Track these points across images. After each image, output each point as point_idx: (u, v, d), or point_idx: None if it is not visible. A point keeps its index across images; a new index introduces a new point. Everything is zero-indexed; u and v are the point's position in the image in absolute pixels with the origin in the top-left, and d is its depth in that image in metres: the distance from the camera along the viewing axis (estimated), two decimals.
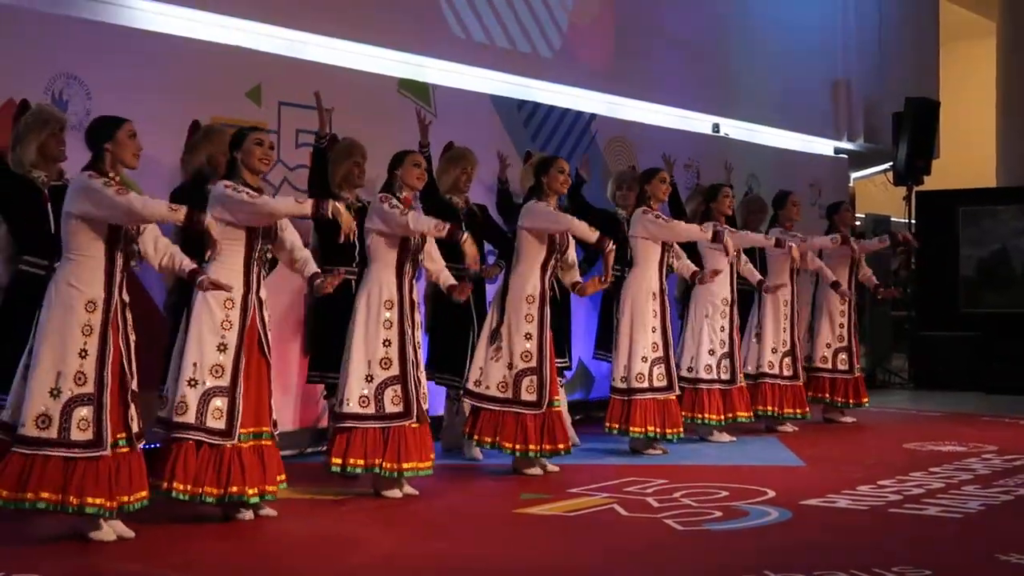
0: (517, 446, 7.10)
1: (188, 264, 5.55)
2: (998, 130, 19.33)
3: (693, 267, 8.42)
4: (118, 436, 5.29)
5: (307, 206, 5.74)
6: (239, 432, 5.73)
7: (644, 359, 7.91)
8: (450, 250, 6.85)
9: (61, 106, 6.66)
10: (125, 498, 5.29)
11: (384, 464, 6.34)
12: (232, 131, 6.19)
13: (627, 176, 9.15)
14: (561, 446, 7.21)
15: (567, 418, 7.85)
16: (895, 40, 15.28)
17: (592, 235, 7.11)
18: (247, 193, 5.70)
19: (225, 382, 5.70)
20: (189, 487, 5.63)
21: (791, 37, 13.53)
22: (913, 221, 14.15)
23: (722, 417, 8.63)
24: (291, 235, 6.03)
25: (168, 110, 7.09)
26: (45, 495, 5.13)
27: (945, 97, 15.73)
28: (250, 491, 5.73)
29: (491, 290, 8.38)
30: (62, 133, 6.03)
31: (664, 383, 7.95)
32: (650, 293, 7.96)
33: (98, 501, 5.19)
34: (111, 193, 5.19)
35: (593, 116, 10.52)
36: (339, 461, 6.36)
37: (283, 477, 5.96)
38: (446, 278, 6.71)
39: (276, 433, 5.97)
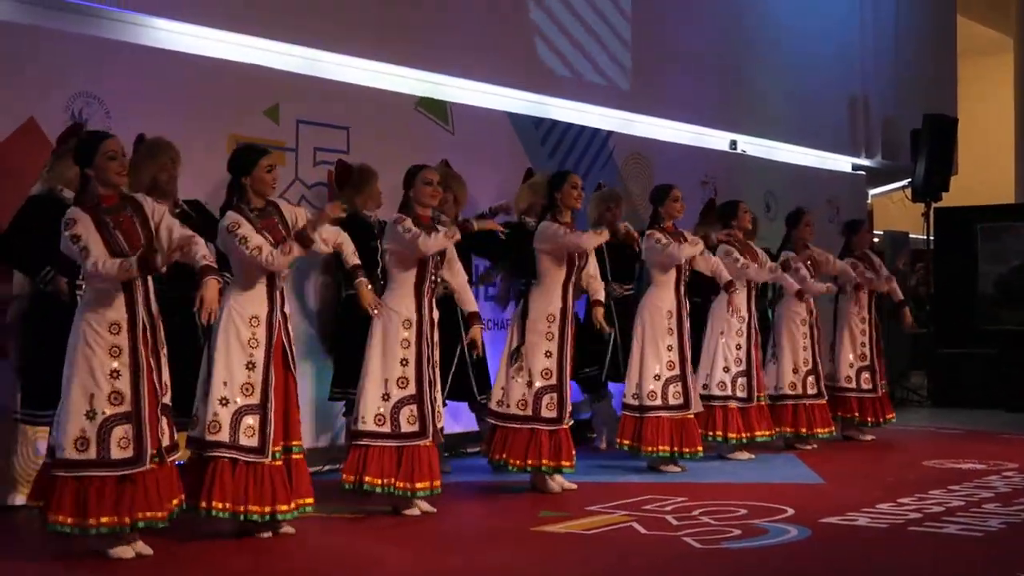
0: (529, 462, 7.09)
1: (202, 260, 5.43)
2: (1017, 146, 19.32)
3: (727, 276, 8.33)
4: (155, 450, 5.32)
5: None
6: (274, 450, 5.75)
7: (657, 377, 7.88)
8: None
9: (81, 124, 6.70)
10: (162, 512, 5.33)
11: (397, 484, 6.33)
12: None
13: (614, 195, 9.06)
14: (564, 463, 7.16)
15: None
16: (912, 56, 15.29)
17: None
18: (247, 243, 5.70)
19: (256, 400, 5.72)
20: (229, 505, 5.65)
21: (808, 54, 13.54)
22: (931, 238, 14.11)
23: (741, 435, 8.57)
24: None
25: (186, 129, 7.12)
26: (105, 520, 5.19)
27: (963, 113, 15.71)
28: (283, 508, 5.75)
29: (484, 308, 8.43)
30: None
31: (680, 401, 7.92)
32: (666, 311, 7.93)
33: (158, 514, 5.28)
34: (75, 250, 5.21)
35: (610, 133, 10.54)
36: (352, 478, 6.35)
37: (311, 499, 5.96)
38: (468, 301, 6.78)
39: (304, 447, 6.00)
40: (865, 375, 9.91)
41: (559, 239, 7.16)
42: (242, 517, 5.67)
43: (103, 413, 5.21)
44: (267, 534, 5.79)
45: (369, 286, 6.13)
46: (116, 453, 5.20)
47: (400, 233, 6.39)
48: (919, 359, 14.25)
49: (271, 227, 5.83)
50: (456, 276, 6.77)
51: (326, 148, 8.11)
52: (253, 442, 5.69)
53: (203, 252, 5.38)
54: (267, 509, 5.69)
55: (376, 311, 6.19)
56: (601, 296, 7.42)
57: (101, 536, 5.24)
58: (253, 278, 5.77)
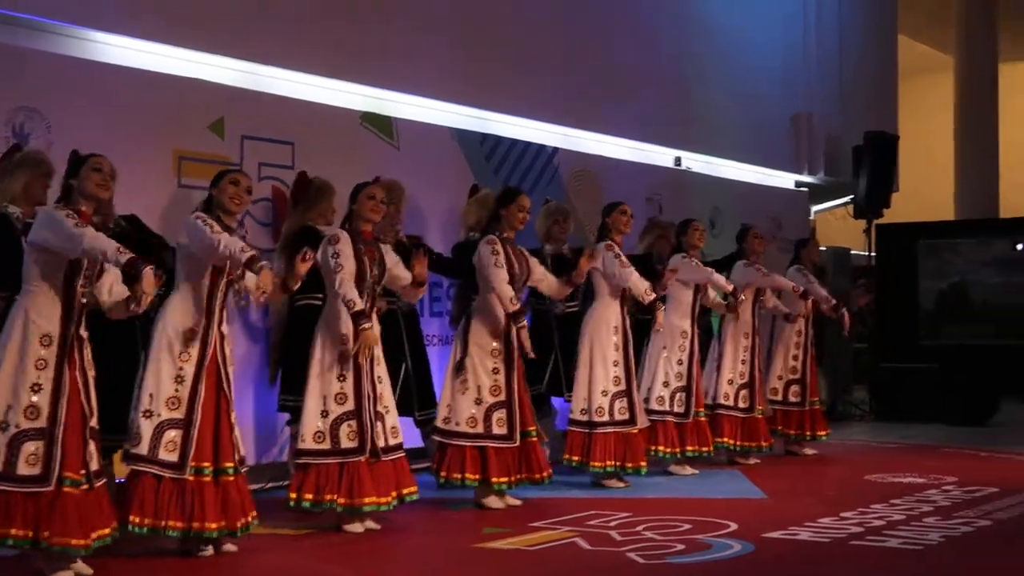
0: (493, 478, 7.09)
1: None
2: (956, 164, 19.57)
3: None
4: (81, 473, 5.21)
5: (246, 255, 5.53)
6: (203, 466, 5.67)
7: (604, 392, 7.89)
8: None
9: (21, 139, 6.63)
10: (94, 535, 5.20)
11: (338, 500, 6.29)
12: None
13: (563, 210, 9.10)
14: (538, 475, 7.20)
15: None
16: (855, 75, 15.47)
17: (509, 306, 7.09)
18: (211, 227, 5.68)
19: (180, 414, 5.65)
20: (148, 520, 5.56)
21: (753, 72, 13.67)
22: (873, 254, 14.26)
23: (676, 450, 8.61)
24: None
25: (130, 143, 7.06)
26: (13, 531, 5.05)
27: (904, 131, 15.92)
28: (212, 526, 5.66)
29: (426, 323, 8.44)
30: (48, 180, 6.03)
31: (626, 416, 7.94)
32: (611, 327, 7.96)
33: (71, 540, 5.10)
34: (69, 224, 5.16)
35: (556, 150, 10.57)
36: (294, 496, 6.32)
37: (254, 515, 5.87)
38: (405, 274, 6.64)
39: (244, 469, 5.92)
40: (794, 388, 9.99)
41: (490, 280, 7.12)
42: (162, 533, 5.58)
43: (16, 426, 5.09)
44: (208, 551, 5.74)
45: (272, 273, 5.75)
46: (23, 469, 5.06)
47: (328, 256, 6.36)
48: (861, 374, 14.38)
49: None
50: (400, 279, 6.64)
51: (271, 163, 8.07)
52: (173, 457, 5.61)
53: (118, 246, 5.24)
54: (180, 524, 5.59)
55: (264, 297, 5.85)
56: (555, 279, 7.41)
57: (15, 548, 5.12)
58: (194, 290, 5.73)
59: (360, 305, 6.26)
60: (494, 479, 7.10)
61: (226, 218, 5.83)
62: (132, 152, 6.96)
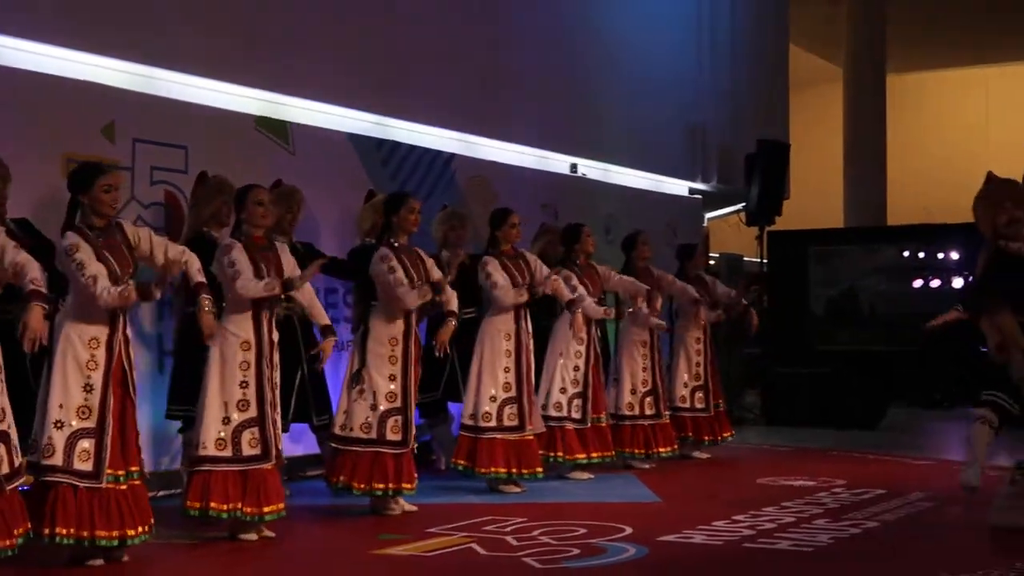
0: (375, 485, 7.06)
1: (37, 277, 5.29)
2: (845, 172, 19.95)
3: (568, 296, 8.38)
4: None
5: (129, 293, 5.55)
6: (119, 474, 5.59)
7: (492, 399, 7.92)
8: None
9: None
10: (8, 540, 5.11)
11: (245, 508, 6.23)
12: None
13: (459, 216, 9.13)
14: (406, 485, 7.16)
15: None
16: (748, 84, 15.70)
17: (412, 302, 7.12)
18: (84, 266, 5.54)
19: (92, 423, 5.55)
20: (72, 531, 5.46)
21: (647, 80, 13.80)
22: (765, 260, 14.46)
23: (581, 456, 8.64)
24: (157, 244, 5.88)
25: (19, 146, 6.91)
26: None
27: (795, 140, 16.18)
28: (132, 532, 5.60)
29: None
30: None
31: (515, 423, 7.96)
32: (504, 334, 7.98)
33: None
34: None
35: (452, 155, 10.58)
36: (198, 504, 6.21)
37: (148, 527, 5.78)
38: (319, 314, 6.65)
39: (145, 473, 5.85)
40: (699, 395, 10.11)
41: (388, 288, 7.12)
42: (87, 543, 5.49)
43: None
44: (99, 562, 5.64)
45: (211, 310, 5.94)
46: None
47: (224, 266, 6.31)
48: (753, 378, 14.57)
49: (113, 247, 5.70)
50: (304, 292, 6.63)
51: (163, 167, 7.97)
52: (87, 466, 5.52)
53: (33, 275, 5.21)
54: (115, 533, 5.53)
55: (211, 341, 6.08)
56: (454, 306, 7.41)
57: None
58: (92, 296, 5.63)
59: (275, 281, 6.27)
60: (387, 485, 7.07)
61: (99, 221, 5.73)
62: (21, 156, 6.81)
